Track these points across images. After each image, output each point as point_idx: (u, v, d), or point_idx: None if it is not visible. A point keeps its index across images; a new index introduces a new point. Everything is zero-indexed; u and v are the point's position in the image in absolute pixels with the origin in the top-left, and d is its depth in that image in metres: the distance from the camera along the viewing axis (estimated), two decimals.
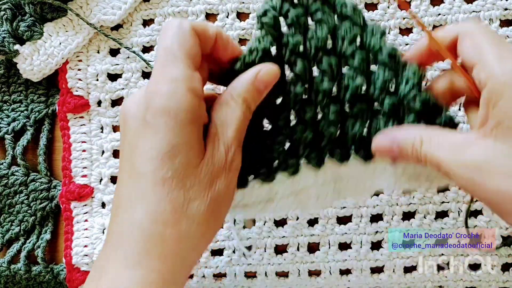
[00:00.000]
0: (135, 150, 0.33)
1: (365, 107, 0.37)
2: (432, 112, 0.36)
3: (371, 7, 0.46)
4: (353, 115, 0.37)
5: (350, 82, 0.36)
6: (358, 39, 0.37)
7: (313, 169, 0.38)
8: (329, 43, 0.37)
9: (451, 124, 0.35)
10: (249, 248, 0.47)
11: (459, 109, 0.46)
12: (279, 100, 0.37)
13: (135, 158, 0.32)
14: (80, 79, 0.47)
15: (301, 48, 0.36)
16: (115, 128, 0.48)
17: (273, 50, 0.37)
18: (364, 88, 0.37)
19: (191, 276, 0.47)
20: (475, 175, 0.30)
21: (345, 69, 0.37)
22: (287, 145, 0.38)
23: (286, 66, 0.37)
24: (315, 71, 0.37)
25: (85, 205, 0.47)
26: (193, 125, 0.33)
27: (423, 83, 0.37)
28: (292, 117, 0.38)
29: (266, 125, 0.38)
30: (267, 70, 0.35)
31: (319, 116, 0.38)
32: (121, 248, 0.31)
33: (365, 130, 0.37)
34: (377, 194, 0.46)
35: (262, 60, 0.35)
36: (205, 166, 0.33)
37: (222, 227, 0.47)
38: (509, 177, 0.29)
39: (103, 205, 0.48)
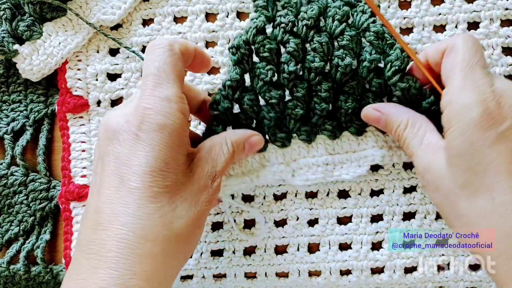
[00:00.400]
0: (125, 164, 0.33)
1: (355, 85, 0.40)
2: (415, 97, 0.39)
3: None
4: (345, 92, 0.40)
5: (339, 62, 0.39)
6: (349, 19, 0.39)
7: (304, 143, 0.42)
8: (321, 23, 0.40)
9: (433, 107, 0.38)
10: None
11: None
12: (274, 78, 0.40)
13: (125, 172, 0.32)
14: (79, 79, 0.47)
15: (295, 28, 0.39)
16: None
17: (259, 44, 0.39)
18: (354, 66, 0.39)
19: (191, 277, 0.47)
20: (428, 178, 0.36)
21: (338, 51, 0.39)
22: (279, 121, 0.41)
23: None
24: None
25: (85, 205, 0.47)
26: (182, 146, 0.35)
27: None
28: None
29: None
30: (257, 139, 0.40)
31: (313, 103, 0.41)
32: (106, 266, 0.31)
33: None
34: (377, 194, 0.46)
35: (258, 34, 0.38)
36: (191, 186, 0.35)
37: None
38: (449, 192, 0.35)
39: None
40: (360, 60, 0.39)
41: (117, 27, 0.48)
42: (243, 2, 0.46)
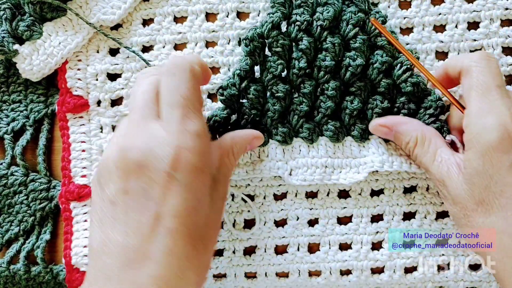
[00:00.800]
0: (159, 205, 0.31)
1: (363, 85, 0.41)
2: (421, 95, 0.41)
3: (372, 6, 0.46)
4: (351, 93, 0.42)
5: (351, 62, 0.41)
6: (363, 25, 0.41)
7: (306, 142, 0.43)
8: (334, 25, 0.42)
9: (436, 107, 0.41)
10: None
11: None
12: (284, 73, 0.42)
13: (162, 213, 0.31)
14: (79, 79, 0.47)
15: (309, 27, 0.41)
16: (115, 128, 0.48)
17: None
18: (361, 69, 0.41)
19: None
20: (445, 192, 0.38)
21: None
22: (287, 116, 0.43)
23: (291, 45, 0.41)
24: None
25: (85, 205, 0.47)
26: (212, 180, 0.35)
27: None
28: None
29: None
30: (260, 141, 0.41)
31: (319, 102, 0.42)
32: None
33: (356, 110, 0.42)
34: (377, 194, 0.46)
35: (273, 29, 0.40)
36: (212, 214, 0.35)
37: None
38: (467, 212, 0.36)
39: None
40: (370, 63, 0.41)
41: (117, 27, 0.48)
42: (243, 2, 0.46)
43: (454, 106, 0.40)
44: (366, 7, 0.42)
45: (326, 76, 0.41)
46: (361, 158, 0.43)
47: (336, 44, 0.41)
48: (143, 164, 0.31)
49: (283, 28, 0.42)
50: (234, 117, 0.43)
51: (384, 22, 0.42)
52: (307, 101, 0.42)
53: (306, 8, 0.41)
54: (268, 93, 0.42)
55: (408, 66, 0.41)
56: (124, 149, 0.32)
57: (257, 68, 0.42)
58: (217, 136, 0.42)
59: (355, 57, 0.41)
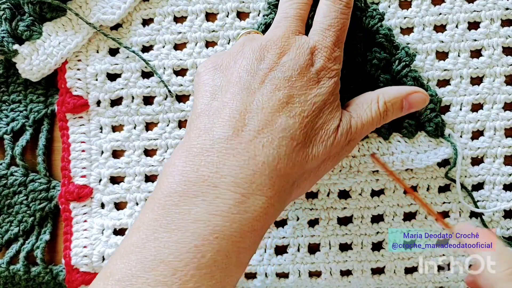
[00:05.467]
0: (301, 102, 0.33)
1: (360, 82, 0.41)
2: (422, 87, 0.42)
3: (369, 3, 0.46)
4: (349, 89, 0.41)
5: (348, 60, 0.40)
6: (360, 23, 0.41)
7: None
8: None
9: (436, 102, 0.42)
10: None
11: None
12: None
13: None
14: (79, 79, 0.47)
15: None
16: (115, 128, 0.48)
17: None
18: (358, 66, 0.41)
19: None
20: None
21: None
22: None
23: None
24: None
25: (84, 205, 0.47)
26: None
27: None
28: None
29: None
30: (420, 96, 0.38)
31: None
32: (259, 193, 0.31)
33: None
34: (378, 195, 0.46)
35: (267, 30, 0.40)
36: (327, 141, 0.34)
37: None
38: None
39: (103, 205, 0.47)
40: (367, 59, 0.41)
41: (117, 27, 0.47)
42: (243, 2, 0.46)
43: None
44: (362, 4, 0.42)
45: None
46: (361, 157, 0.43)
47: None
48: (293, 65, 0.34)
49: None
50: None
51: (381, 19, 0.42)
52: None
53: None
54: None
55: (406, 62, 0.42)
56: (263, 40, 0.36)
57: None
58: None
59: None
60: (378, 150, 0.43)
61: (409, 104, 0.37)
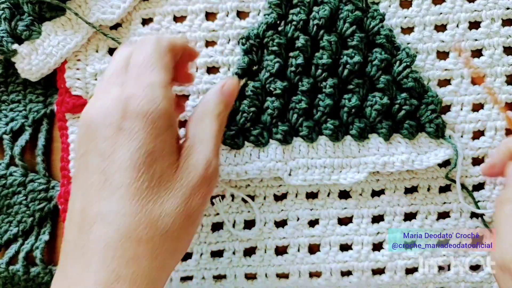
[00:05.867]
0: (108, 160, 0.30)
1: (361, 83, 0.42)
2: (421, 91, 0.42)
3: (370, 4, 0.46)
4: (350, 90, 0.42)
5: (349, 59, 0.41)
6: (360, 23, 0.42)
7: (306, 142, 0.43)
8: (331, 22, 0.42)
9: (437, 103, 0.42)
10: None
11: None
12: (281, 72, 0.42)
13: (108, 169, 0.30)
14: (78, 79, 0.47)
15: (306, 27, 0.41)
16: None
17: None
18: (359, 66, 0.41)
19: (191, 278, 0.46)
20: None
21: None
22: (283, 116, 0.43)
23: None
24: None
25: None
26: (168, 132, 0.32)
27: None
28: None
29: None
30: (230, 83, 0.38)
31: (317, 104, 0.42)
32: (91, 270, 0.29)
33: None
34: (378, 195, 0.46)
35: (268, 30, 0.41)
36: (180, 180, 0.32)
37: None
38: None
39: None
40: (368, 60, 0.41)
41: (116, 26, 0.47)
42: (243, 1, 0.46)
43: None
44: (364, 5, 0.42)
45: (323, 74, 0.41)
46: (361, 158, 0.43)
47: (332, 42, 0.41)
48: (98, 123, 0.31)
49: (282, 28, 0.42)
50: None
51: (382, 20, 0.42)
52: (306, 99, 0.42)
53: (303, 7, 0.41)
54: (267, 91, 0.42)
55: (407, 63, 0.41)
56: (86, 115, 0.32)
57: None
58: None
59: (353, 54, 0.41)
60: (378, 151, 0.43)
61: (227, 96, 0.38)
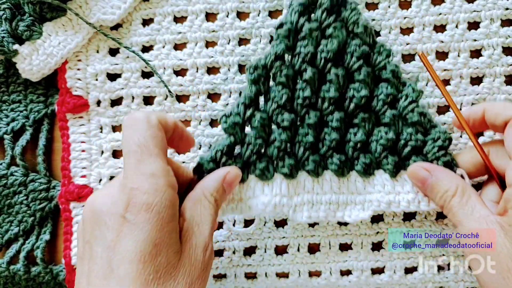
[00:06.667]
0: (113, 251, 0.31)
1: (367, 117, 0.41)
2: (428, 126, 0.41)
3: (372, 6, 0.46)
4: (356, 124, 0.41)
5: (355, 93, 0.40)
6: (367, 58, 0.41)
7: (311, 176, 0.41)
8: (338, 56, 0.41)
9: (445, 139, 0.40)
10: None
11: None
12: (288, 104, 0.41)
13: (113, 260, 0.31)
14: (79, 79, 0.47)
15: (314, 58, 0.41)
16: (115, 128, 0.48)
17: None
18: (365, 100, 0.40)
19: None
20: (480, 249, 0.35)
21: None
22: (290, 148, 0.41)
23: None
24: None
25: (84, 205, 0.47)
26: (173, 222, 0.33)
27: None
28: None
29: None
30: (233, 174, 0.38)
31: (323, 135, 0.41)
32: None
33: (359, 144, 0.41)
34: None
35: (277, 60, 0.40)
36: (183, 267, 0.33)
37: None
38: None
39: None
40: (374, 95, 0.41)
41: (117, 27, 0.47)
42: (243, 2, 0.46)
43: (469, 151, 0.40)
44: (371, 40, 0.41)
45: (330, 107, 0.40)
46: (367, 195, 0.41)
47: (340, 76, 0.40)
48: (103, 212, 0.32)
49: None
50: (237, 149, 0.41)
51: (388, 55, 0.41)
52: (312, 132, 0.40)
53: (311, 39, 0.40)
54: (274, 124, 0.41)
55: (413, 98, 0.40)
56: (92, 203, 0.33)
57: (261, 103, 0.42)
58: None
59: (360, 88, 0.40)
60: (384, 188, 0.41)
61: (228, 185, 0.38)
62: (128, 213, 0.31)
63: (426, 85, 0.45)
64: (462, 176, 0.39)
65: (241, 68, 0.47)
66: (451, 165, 0.40)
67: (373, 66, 0.41)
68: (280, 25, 0.41)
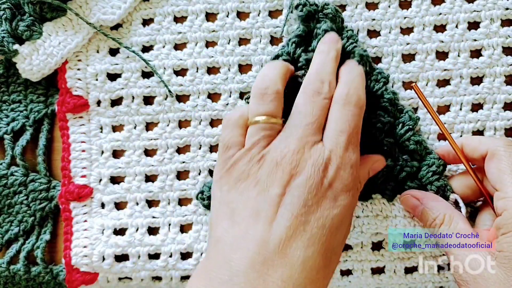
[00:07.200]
0: (309, 211, 0.33)
1: (368, 144, 0.41)
2: (423, 153, 0.42)
3: (372, 6, 0.46)
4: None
5: None
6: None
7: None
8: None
9: (439, 165, 0.41)
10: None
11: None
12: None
13: (308, 219, 0.33)
14: (79, 79, 0.47)
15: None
16: (115, 128, 0.48)
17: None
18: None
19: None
20: (467, 276, 0.36)
21: None
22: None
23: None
24: None
25: (85, 205, 0.47)
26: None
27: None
28: None
29: None
30: (380, 163, 0.41)
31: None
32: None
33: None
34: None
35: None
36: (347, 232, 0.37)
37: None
38: None
39: (103, 205, 0.47)
40: (372, 122, 0.41)
41: (117, 27, 0.47)
42: (243, 2, 0.46)
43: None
44: (368, 67, 0.40)
45: None
46: (364, 218, 0.44)
47: None
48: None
49: None
50: None
51: (386, 83, 0.41)
52: None
53: (306, 69, 0.39)
54: None
55: (410, 126, 0.41)
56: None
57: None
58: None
59: None
60: (381, 212, 0.43)
61: (373, 171, 0.41)
62: (330, 190, 0.34)
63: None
64: (456, 201, 0.40)
65: (241, 68, 0.47)
66: (444, 189, 0.40)
67: (370, 93, 0.40)
68: (276, 57, 0.41)
